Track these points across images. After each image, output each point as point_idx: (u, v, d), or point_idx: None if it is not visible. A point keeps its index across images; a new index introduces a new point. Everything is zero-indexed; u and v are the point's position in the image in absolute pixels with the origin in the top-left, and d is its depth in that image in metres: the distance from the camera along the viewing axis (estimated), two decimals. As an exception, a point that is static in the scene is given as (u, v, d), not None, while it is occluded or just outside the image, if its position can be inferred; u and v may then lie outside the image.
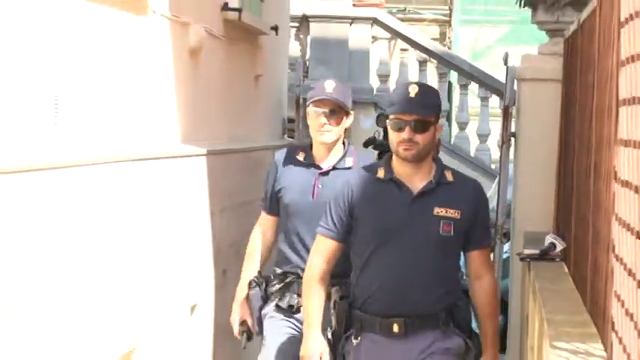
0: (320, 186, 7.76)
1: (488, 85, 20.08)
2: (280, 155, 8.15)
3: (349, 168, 7.98)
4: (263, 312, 7.81)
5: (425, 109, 6.76)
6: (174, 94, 11.42)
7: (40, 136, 7.87)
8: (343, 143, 8.08)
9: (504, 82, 16.29)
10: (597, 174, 7.61)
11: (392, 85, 24.97)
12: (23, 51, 7.50)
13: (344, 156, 8.03)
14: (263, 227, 8.42)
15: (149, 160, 10.86)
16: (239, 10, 13.00)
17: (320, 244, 7.14)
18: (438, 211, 7.17)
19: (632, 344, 5.48)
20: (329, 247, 6.98)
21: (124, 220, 10.75)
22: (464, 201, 7.47)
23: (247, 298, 8.13)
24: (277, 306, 7.52)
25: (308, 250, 7.77)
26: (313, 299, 6.91)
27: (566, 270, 10.38)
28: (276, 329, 7.68)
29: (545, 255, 11.29)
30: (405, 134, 6.81)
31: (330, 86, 7.49)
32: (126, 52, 9.70)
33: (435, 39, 26.00)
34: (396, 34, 21.93)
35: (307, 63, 20.67)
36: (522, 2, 14.43)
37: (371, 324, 6.87)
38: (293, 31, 19.31)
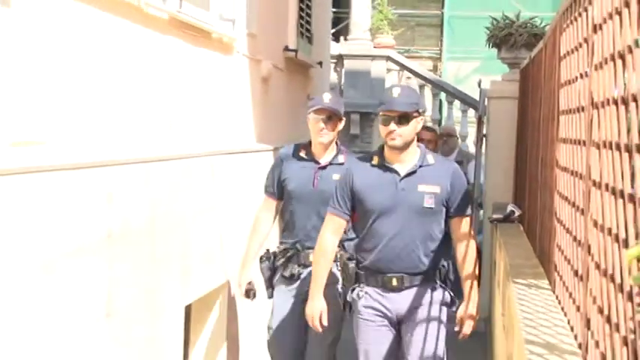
0: (319, 177, 7.60)
1: (467, 101, 20.11)
2: (285, 151, 7.90)
3: (342, 164, 7.76)
4: (274, 282, 7.68)
5: (405, 106, 6.74)
6: (252, 108, 11.27)
7: (162, 139, 7.98)
8: (336, 143, 7.84)
9: (478, 99, 16.75)
10: (544, 162, 7.90)
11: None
12: (160, 81, 7.75)
13: (337, 154, 7.80)
14: (267, 208, 8.07)
15: (237, 154, 10.75)
16: (295, 50, 13.09)
17: (329, 221, 7.05)
18: (422, 188, 7.03)
19: (569, 280, 5.80)
20: (336, 223, 6.91)
21: (222, 198, 10.16)
22: (442, 179, 7.22)
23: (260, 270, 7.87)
24: (282, 275, 7.52)
25: (304, 229, 7.76)
26: (321, 267, 6.87)
27: (522, 229, 10.47)
28: (282, 294, 7.73)
29: (507, 218, 11.43)
30: (391, 127, 6.84)
31: (327, 98, 7.52)
32: (219, 79, 9.67)
33: (430, 70, 25.77)
34: (403, 67, 21.69)
35: (342, 87, 20.67)
36: (491, 44, 14.70)
37: (373, 279, 6.85)
38: (332, 65, 19.25)
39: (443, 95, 21.76)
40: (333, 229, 6.72)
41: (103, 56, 6.42)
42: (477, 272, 6.99)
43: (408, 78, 22.30)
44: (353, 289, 6.75)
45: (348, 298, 6.69)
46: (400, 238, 6.70)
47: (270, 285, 7.45)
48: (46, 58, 5.58)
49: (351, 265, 6.81)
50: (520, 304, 6.41)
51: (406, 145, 6.51)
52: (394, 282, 6.48)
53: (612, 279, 4.01)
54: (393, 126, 6.42)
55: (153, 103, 7.45)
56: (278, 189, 7.82)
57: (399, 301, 6.53)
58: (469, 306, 6.78)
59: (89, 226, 6.29)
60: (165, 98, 7.69)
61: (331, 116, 7.41)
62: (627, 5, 4.03)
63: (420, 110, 6.56)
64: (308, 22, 13.97)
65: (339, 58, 21.09)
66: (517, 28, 14.16)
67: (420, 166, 6.63)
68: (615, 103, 4.17)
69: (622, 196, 3.84)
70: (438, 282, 6.76)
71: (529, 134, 10.68)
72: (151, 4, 7.24)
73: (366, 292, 6.62)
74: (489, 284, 12.67)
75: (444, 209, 6.74)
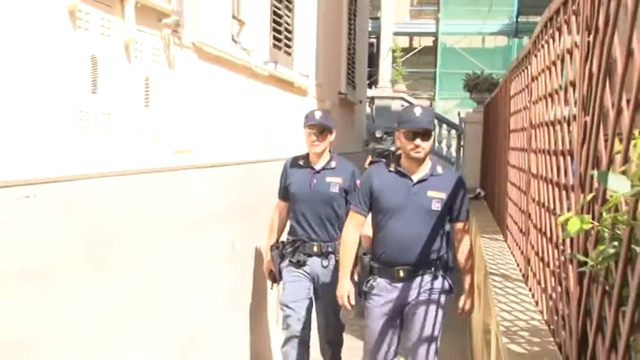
0: (314, 181, 6.56)
1: (451, 125, 19.83)
2: (288, 162, 6.87)
3: (334, 168, 6.74)
4: (281, 265, 6.74)
5: (428, 123, 5.71)
6: None
7: (265, 147, 7.73)
8: (329, 152, 6.73)
9: (458, 123, 18.54)
10: (500, 162, 7.78)
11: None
12: (264, 112, 7.43)
13: (330, 160, 6.71)
14: (279, 209, 7.02)
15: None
16: (345, 94, 12.63)
17: (352, 217, 6.06)
18: (431, 193, 5.80)
19: (516, 235, 5.84)
20: (358, 219, 5.95)
21: None
22: (448, 187, 5.86)
23: (271, 257, 6.90)
24: (290, 261, 6.56)
25: (308, 223, 6.66)
26: (347, 254, 5.94)
27: (486, 204, 10.29)
28: (290, 275, 6.68)
29: (477, 197, 11.30)
30: (417, 142, 5.69)
31: (318, 115, 6.44)
32: (299, 112, 8.76)
33: (429, 105, 25.63)
34: (411, 104, 21.62)
35: (374, 116, 20.17)
36: (466, 89, 15.03)
37: (384, 271, 5.80)
38: (367, 102, 18.96)
39: (436, 121, 21.52)
40: (355, 224, 5.88)
41: (230, 96, 6.48)
42: (473, 267, 5.97)
43: None
44: (368, 281, 5.84)
45: (364, 288, 5.80)
46: (409, 234, 5.66)
47: (278, 270, 6.52)
48: (196, 99, 5.62)
49: (366, 259, 5.90)
50: (485, 250, 6.51)
51: (426, 157, 5.61)
52: (402, 273, 5.60)
53: (544, 234, 4.04)
54: (418, 141, 5.52)
55: (260, 125, 7.44)
56: (285, 192, 6.77)
57: (406, 289, 5.62)
58: (468, 298, 5.84)
59: (219, 201, 6.31)
60: (267, 122, 7.70)
61: (322, 130, 6.44)
62: (552, 66, 4.07)
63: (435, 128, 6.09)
64: (353, 75, 13.98)
65: (372, 99, 20.91)
66: (482, 80, 14.73)
67: (431, 175, 5.67)
68: (545, 125, 4.20)
69: (549, 182, 3.88)
70: (440, 271, 5.72)
71: (490, 144, 10.64)
72: (258, 66, 7.29)
73: (378, 283, 5.74)
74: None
75: (447, 211, 5.71)
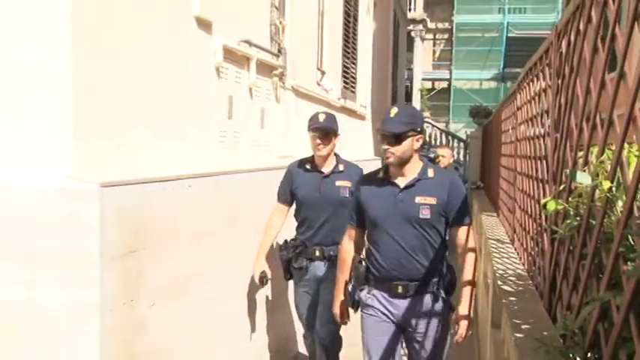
0: (324, 185, 4.70)
1: (460, 139, 19.54)
2: (293, 165, 4.88)
3: (342, 172, 4.84)
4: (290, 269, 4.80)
5: (399, 125, 3.88)
6: (373, 142, 10.71)
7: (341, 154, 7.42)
8: (336, 155, 4.92)
9: (465, 139, 17.23)
10: (494, 164, 7.68)
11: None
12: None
13: (337, 164, 4.84)
14: (278, 212, 4.86)
15: (373, 160, 9.22)
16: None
17: (347, 231, 4.23)
18: (419, 199, 3.97)
19: (506, 213, 5.72)
20: (350, 232, 4.17)
21: None
22: (440, 191, 4.01)
23: (279, 256, 4.89)
24: (293, 266, 4.73)
25: (313, 229, 4.69)
26: (342, 273, 4.19)
27: (485, 193, 10.19)
28: (297, 281, 4.81)
29: (477, 187, 11.06)
30: (385, 146, 3.99)
31: (321, 118, 4.70)
32: (361, 131, 9.11)
33: (445, 127, 24.98)
34: (434, 126, 20.88)
35: None
36: (471, 116, 14.84)
37: (381, 284, 3.98)
38: None
39: (450, 137, 21.19)
40: (348, 237, 4.14)
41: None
42: (474, 279, 4.04)
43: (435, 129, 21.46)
44: (362, 289, 4.05)
45: (357, 297, 4.05)
46: (400, 246, 3.88)
47: (287, 270, 4.79)
48: (294, 122, 5.66)
49: (362, 268, 4.08)
50: (485, 223, 6.39)
51: (402, 162, 3.88)
52: (399, 289, 3.86)
53: (526, 212, 4.00)
54: (386, 145, 3.87)
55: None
56: (289, 196, 4.79)
57: (404, 308, 3.89)
58: (461, 309, 3.92)
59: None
60: (340, 137, 7.70)
61: (327, 133, 4.71)
62: (532, 100, 4.02)
63: (418, 129, 3.89)
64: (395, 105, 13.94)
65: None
66: (481, 110, 14.70)
67: (419, 180, 3.91)
68: (526, 139, 4.16)
69: (530, 177, 3.84)
70: (441, 291, 3.93)
71: (487, 152, 10.49)
72: (333, 101, 7.30)
73: (373, 295, 3.96)
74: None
75: (444, 219, 3.93)
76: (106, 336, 2.69)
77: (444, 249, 3.65)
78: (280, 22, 5.29)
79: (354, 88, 8.88)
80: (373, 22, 10.24)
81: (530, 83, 4.23)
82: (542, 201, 2.37)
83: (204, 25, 3.84)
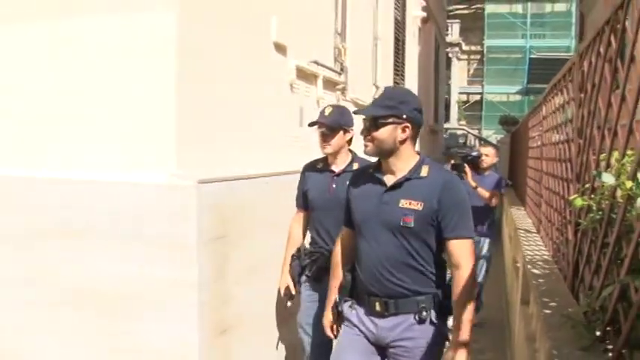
0: (334, 185, 3.43)
1: (491, 144, 19.24)
2: (305, 167, 3.63)
3: (355, 170, 3.25)
4: (300, 279, 3.54)
5: (378, 108, 2.48)
6: (422, 143, 10.68)
7: None
8: (351, 152, 3.56)
9: (496, 143, 16.37)
10: (522, 164, 7.56)
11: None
12: None
13: (352, 162, 3.49)
14: (297, 220, 3.62)
15: None
16: (433, 126, 12.15)
17: (341, 233, 2.90)
18: (403, 203, 2.50)
19: (533, 207, 5.62)
20: (344, 234, 2.86)
21: None
22: (429, 194, 2.47)
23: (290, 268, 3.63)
24: (306, 275, 3.52)
25: (328, 234, 3.43)
26: (332, 280, 2.90)
27: (514, 191, 10.01)
28: (307, 293, 3.53)
29: (507, 185, 10.89)
30: (364, 130, 2.57)
31: (327, 112, 3.45)
32: None
33: (478, 133, 24.62)
34: (469, 132, 20.71)
35: (446, 137, 19.51)
36: (500, 124, 14.46)
37: (362, 298, 2.68)
38: (444, 132, 18.46)
39: (482, 142, 20.80)
40: (341, 240, 2.93)
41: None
42: (470, 308, 2.42)
43: (474, 137, 21.04)
44: (346, 301, 2.79)
45: (340, 308, 2.81)
46: (380, 257, 2.59)
47: (298, 282, 3.61)
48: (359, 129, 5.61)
49: (349, 277, 2.82)
50: (514, 215, 6.27)
51: (382, 153, 2.54)
52: (377, 306, 2.61)
53: (551, 206, 3.92)
54: (364, 130, 2.55)
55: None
56: (303, 200, 3.56)
57: (384, 329, 2.62)
58: (457, 353, 2.40)
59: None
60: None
61: (333, 129, 3.39)
62: (556, 111, 3.94)
63: (403, 116, 2.47)
64: (437, 115, 13.78)
65: (446, 129, 20.44)
66: (509, 119, 14.38)
67: (408, 179, 2.55)
68: (552, 144, 4.07)
69: (554, 177, 3.76)
70: (432, 312, 2.55)
71: (515, 155, 10.33)
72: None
73: (355, 309, 2.72)
74: (500, 210, 10.13)
75: (432, 228, 2.49)
76: (202, 306, 2.75)
77: (438, 264, 2.51)
78: (342, 46, 5.31)
79: (402, 101, 8.83)
80: (418, 45, 10.15)
81: (555, 97, 4.17)
82: (570, 197, 2.33)
83: (280, 49, 3.88)
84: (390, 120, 2.42)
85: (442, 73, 16.45)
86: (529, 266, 3.49)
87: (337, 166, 3.45)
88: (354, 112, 2.61)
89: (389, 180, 2.51)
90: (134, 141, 2.82)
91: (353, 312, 2.65)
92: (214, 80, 3.06)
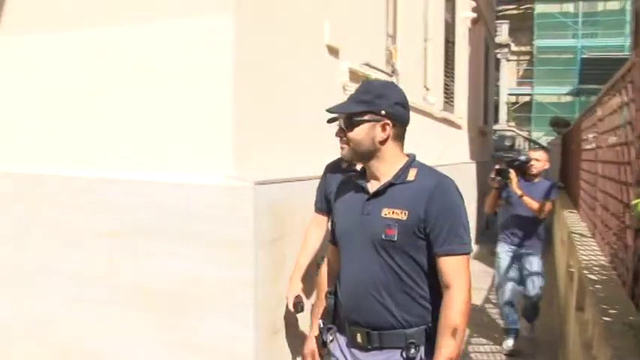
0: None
1: (542, 146, 18.72)
2: (328, 168, 3.06)
3: None
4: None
5: (352, 104, 2.04)
6: (469, 146, 10.30)
7: (440, 156, 6.96)
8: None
9: (546, 145, 16.02)
10: (575, 166, 7.39)
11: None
12: (442, 138, 7.31)
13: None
14: (316, 224, 3.00)
15: (469, 163, 9.74)
16: (483, 128, 11.93)
17: (328, 251, 2.39)
18: (386, 212, 1.96)
19: (587, 210, 5.49)
20: (330, 252, 2.33)
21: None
22: (415, 201, 1.94)
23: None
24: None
25: None
26: (315, 307, 2.37)
27: (566, 193, 9.80)
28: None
29: (559, 188, 10.70)
30: (339, 131, 2.11)
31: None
32: (459, 138, 8.80)
33: (528, 135, 24.07)
34: (518, 134, 20.07)
35: (495, 139, 19.17)
36: (551, 125, 14.13)
37: (342, 326, 2.13)
38: (493, 133, 18.23)
39: (532, 143, 20.31)
40: (328, 255, 2.40)
41: (422, 128, 6.40)
42: (456, 341, 1.88)
43: (526, 140, 20.48)
44: (329, 329, 2.19)
45: (323, 337, 2.20)
46: (362, 278, 2.02)
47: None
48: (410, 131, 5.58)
49: (331, 301, 2.19)
50: (567, 219, 6.13)
51: (360, 156, 2.07)
52: (359, 338, 2.03)
53: (608, 209, 3.82)
54: (338, 131, 2.12)
55: (436, 142, 7.26)
56: (325, 203, 2.99)
57: None
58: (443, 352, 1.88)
59: None
60: (441, 141, 7.55)
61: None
62: (613, 112, 3.84)
63: (382, 112, 2.00)
64: (486, 117, 13.59)
65: (495, 131, 20.00)
66: (560, 120, 14.01)
67: (392, 184, 2.01)
68: (609, 147, 3.98)
69: (612, 180, 3.67)
70: (420, 350, 1.96)
71: (566, 157, 10.15)
72: (436, 113, 7.20)
73: (336, 338, 2.16)
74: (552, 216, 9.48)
75: (421, 242, 1.94)
76: (257, 306, 2.77)
77: (433, 287, 2.00)
78: (393, 48, 5.29)
79: (452, 102, 8.74)
80: (468, 47, 10.03)
81: (612, 98, 4.05)
82: (633, 202, 2.24)
83: (333, 51, 3.88)
84: (367, 117, 2.02)
85: (491, 75, 16.23)
86: (585, 271, 3.40)
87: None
88: (327, 110, 2.13)
89: (372, 187, 2.08)
90: (193, 144, 2.87)
91: (333, 343, 2.19)
92: (269, 83, 3.09)
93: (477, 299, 6.51)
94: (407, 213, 1.95)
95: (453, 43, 8.72)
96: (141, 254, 2.94)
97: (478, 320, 5.90)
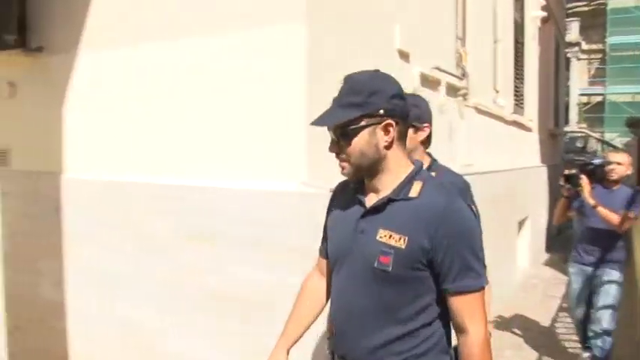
0: None
1: (614, 147, 18.14)
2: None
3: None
4: None
5: (343, 111, 1.57)
6: (540, 149, 9.99)
7: (512, 161, 7.02)
8: (428, 154, 2.57)
9: (621, 146, 15.32)
10: None
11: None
12: (510, 141, 7.18)
13: (429, 167, 2.36)
14: (322, 271, 1.90)
15: (541, 167, 9.39)
16: (553, 130, 11.53)
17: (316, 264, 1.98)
18: (382, 234, 1.52)
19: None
20: (321, 264, 1.92)
21: (530, 183, 8.17)
22: (417, 225, 1.50)
23: None
24: None
25: None
26: (281, 336, 1.98)
27: None
28: None
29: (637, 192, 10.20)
30: (332, 146, 1.65)
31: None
32: (530, 140, 8.49)
33: (600, 136, 23.26)
34: (589, 135, 19.68)
35: (566, 143, 18.41)
36: (627, 126, 13.54)
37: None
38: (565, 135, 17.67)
39: (606, 145, 19.63)
40: (317, 272, 2.00)
41: (492, 131, 6.26)
42: None
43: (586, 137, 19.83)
44: None
45: None
46: (352, 309, 1.63)
47: None
48: (474, 134, 5.49)
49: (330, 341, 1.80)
50: None
51: (366, 171, 1.63)
52: None
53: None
54: (331, 147, 1.67)
55: (508, 146, 7.12)
56: None
57: None
58: None
59: (486, 190, 5.59)
60: (513, 145, 7.38)
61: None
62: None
63: (380, 111, 1.57)
64: (557, 119, 13.16)
65: (565, 132, 19.36)
66: (638, 121, 13.36)
67: (391, 200, 1.57)
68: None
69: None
70: None
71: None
72: (506, 116, 7.02)
73: None
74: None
75: (423, 275, 1.54)
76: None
77: (442, 318, 1.66)
78: (463, 50, 5.18)
79: (522, 104, 8.50)
80: (538, 47, 9.75)
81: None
82: None
83: (404, 55, 3.84)
84: (364, 122, 1.62)
85: (562, 75, 15.75)
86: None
87: None
88: (311, 124, 1.68)
89: (370, 200, 1.70)
90: (268, 151, 2.89)
91: None
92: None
93: (551, 307, 6.33)
94: (405, 240, 1.57)
95: (523, 43, 8.49)
96: (217, 260, 2.97)
97: (552, 329, 5.65)
